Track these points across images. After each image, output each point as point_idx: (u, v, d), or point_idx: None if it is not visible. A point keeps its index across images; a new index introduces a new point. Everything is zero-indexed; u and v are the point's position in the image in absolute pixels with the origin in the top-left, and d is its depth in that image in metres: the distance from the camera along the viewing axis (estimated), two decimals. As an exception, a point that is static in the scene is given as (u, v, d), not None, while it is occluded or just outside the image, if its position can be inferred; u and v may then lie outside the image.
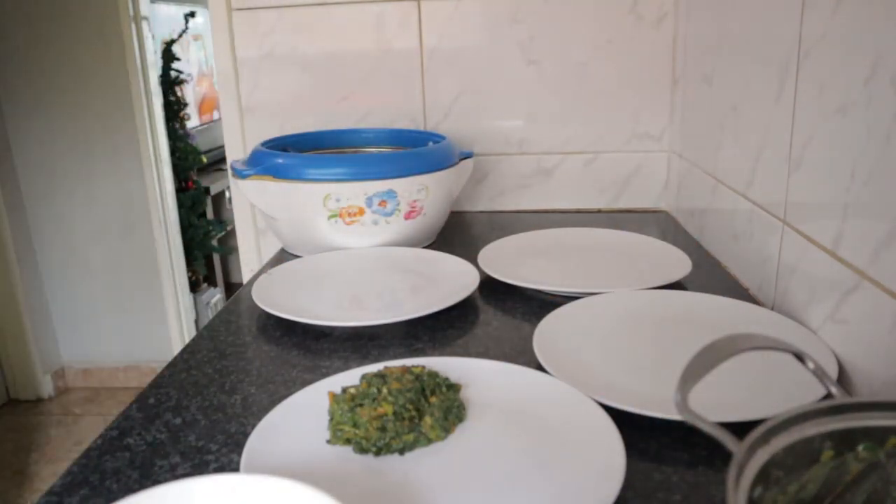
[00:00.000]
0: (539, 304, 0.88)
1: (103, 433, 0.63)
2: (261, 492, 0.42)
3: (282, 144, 1.19)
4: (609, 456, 0.53)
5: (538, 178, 1.36)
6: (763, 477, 0.35)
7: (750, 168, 0.91)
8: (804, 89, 0.75)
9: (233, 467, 0.57)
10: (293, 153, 1.14)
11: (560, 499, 0.50)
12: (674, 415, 0.55)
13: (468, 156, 1.17)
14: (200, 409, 0.67)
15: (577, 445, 0.56)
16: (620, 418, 0.57)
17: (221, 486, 0.43)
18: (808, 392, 0.56)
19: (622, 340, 0.76)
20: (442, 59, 1.31)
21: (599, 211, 1.36)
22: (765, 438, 0.36)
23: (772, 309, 0.84)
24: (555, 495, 0.51)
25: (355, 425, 0.58)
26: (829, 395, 0.42)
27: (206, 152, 3.27)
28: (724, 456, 0.35)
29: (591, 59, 1.29)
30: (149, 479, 0.56)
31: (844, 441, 0.38)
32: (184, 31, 3.07)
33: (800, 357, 0.43)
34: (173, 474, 0.57)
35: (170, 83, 3.00)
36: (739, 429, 0.38)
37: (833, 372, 0.65)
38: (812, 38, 0.73)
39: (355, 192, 1.02)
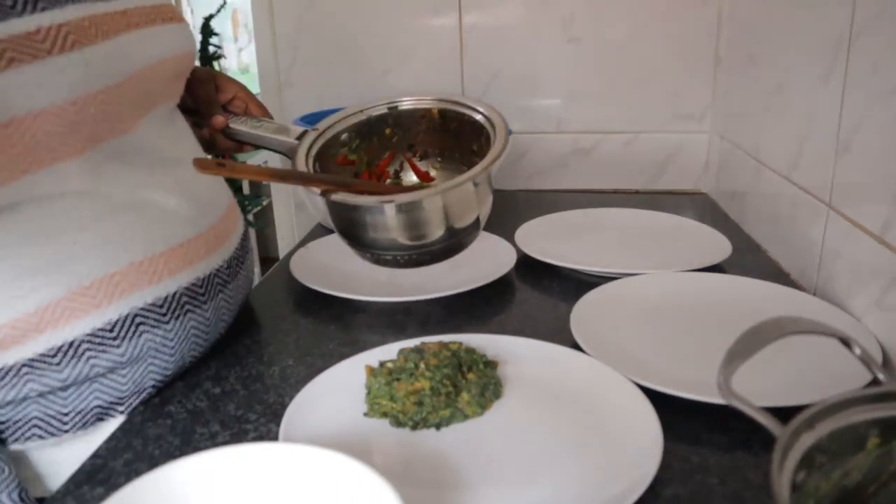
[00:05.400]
0: (575, 283, 0.87)
1: (146, 400, 0.64)
2: (299, 460, 0.43)
3: (319, 119, 1.19)
4: (646, 437, 0.53)
5: (576, 158, 1.34)
6: (807, 462, 0.35)
7: (795, 151, 0.89)
8: (856, 69, 0.73)
9: (271, 437, 0.58)
10: (331, 128, 1.13)
11: (595, 479, 0.50)
12: (712, 397, 0.55)
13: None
14: (239, 379, 0.68)
15: (614, 425, 0.56)
16: (657, 399, 0.57)
17: (261, 454, 0.44)
18: (850, 380, 0.55)
19: (660, 322, 0.75)
20: (481, 35, 1.30)
21: (638, 192, 1.34)
22: (810, 423, 0.36)
23: (814, 294, 0.82)
24: (590, 474, 0.51)
25: (392, 399, 0.58)
26: (874, 382, 0.41)
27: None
28: (763, 440, 0.35)
29: (633, 36, 1.26)
30: (189, 445, 0.57)
31: (891, 429, 0.37)
32: (222, 6, 3.09)
33: (846, 342, 0.43)
34: (213, 442, 0.58)
35: (208, 58, 3.02)
36: (778, 414, 0.37)
37: (878, 359, 0.64)
38: (866, 14, 0.70)
39: (393, 167, 1.02)
